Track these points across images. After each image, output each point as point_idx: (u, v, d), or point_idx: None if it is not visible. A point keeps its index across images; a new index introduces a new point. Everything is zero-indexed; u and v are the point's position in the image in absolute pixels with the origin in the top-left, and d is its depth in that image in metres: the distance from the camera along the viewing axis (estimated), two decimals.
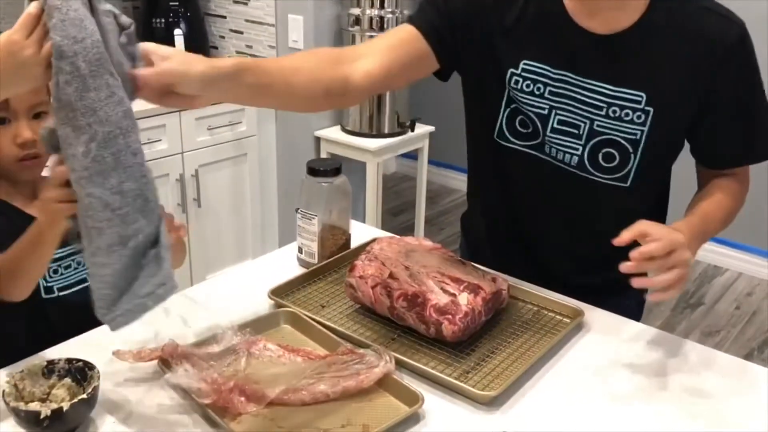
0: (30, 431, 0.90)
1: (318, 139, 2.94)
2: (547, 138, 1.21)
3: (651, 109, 1.15)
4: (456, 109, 1.44)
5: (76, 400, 0.90)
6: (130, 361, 1.03)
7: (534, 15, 1.18)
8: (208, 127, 2.76)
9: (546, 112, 1.20)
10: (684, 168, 1.32)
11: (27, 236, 1.06)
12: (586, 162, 1.21)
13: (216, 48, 3.14)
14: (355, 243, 1.42)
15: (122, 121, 0.88)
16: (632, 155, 1.18)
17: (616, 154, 1.19)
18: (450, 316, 1.08)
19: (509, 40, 1.19)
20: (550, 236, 1.32)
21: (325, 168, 1.35)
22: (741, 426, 0.99)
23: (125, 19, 0.92)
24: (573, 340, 1.16)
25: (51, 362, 0.97)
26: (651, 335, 1.20)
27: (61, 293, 1.23)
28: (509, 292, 1.21)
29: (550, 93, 1.19)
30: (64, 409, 0.88)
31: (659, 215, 1.33)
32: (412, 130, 2.91)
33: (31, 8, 0.86)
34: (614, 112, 1.16)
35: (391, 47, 1.19)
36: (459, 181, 4.09)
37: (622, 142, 1.18)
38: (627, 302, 1.30)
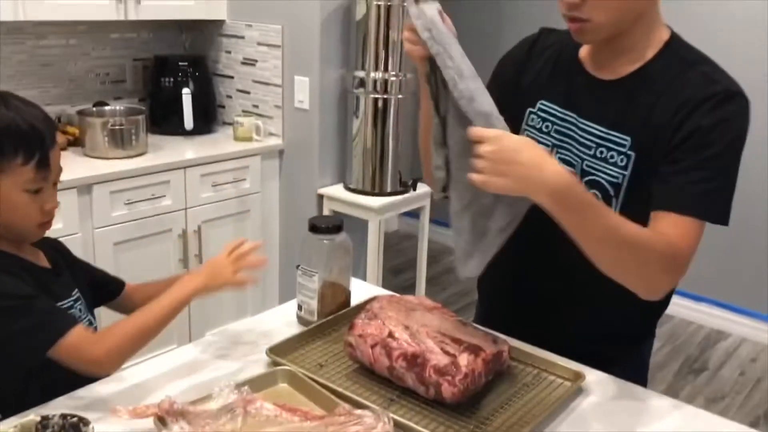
0: None
1: (321, 197, 2.97)
2: None
3: (633, 154, 1.19)
4: None
5: None
6: (125, 418, 1.01)
7: (554, 63, 1.31)
8: (212, 184, 2.79)
9: (549, 148, 1.27)
10: None
11: (171, 301, 1.18)
12: None
13: (223, 107, 3.20)
14: (355, 301, 1.41)
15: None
16: (613, 199, 1.21)
17: (599, 195, 1.22)
18: (450, 378, 1.06)
19: (534, 84, 1.32)
20: (547, 289, 1.32)
21: (326, 225, 1.35)
22: None
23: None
24: (574, 404, 1.14)
25: (45, 418, 0.96)
26: (654, 400, 1.18)
27: None
28: (510, 354, 1.20)
29: (556, 131, 1.28)
30: None
31: None
32: (414, 189, 2.94)
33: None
34: (601, 152, 1.22)
35: None
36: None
37: (605, 184, 1.22)
38: (624, 374, 1.26)
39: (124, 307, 1.42)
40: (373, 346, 1.15)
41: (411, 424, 1.04)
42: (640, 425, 1.10)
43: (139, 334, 1.16)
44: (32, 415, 0.97)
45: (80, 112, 2.70)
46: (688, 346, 3.34)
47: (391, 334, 1.15)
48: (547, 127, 1.29)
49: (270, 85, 3.01)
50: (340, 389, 1.13)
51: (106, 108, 2.87)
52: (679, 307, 3.48)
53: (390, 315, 1.20)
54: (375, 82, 2.79)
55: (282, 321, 1.39)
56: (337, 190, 2.95)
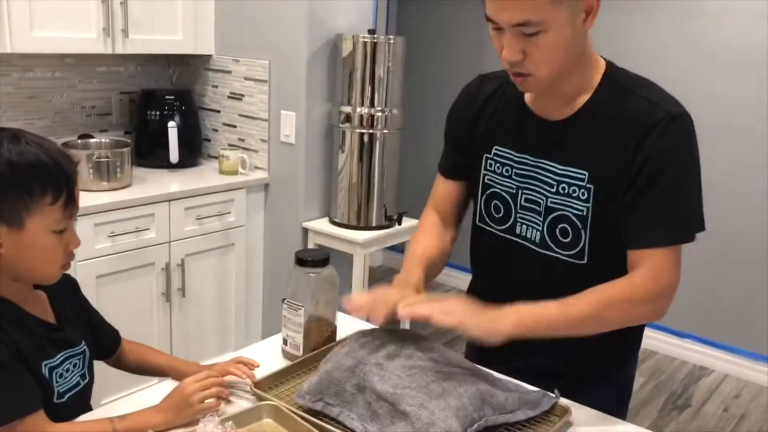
0: None
1: (306, 230, 2.96)
2: (518, 215, 1.33)
3: (591, 186, 1.23)
4: None
5: None
6: None
7: (501, 111, 1.35)
8: (196, 217, 2.78)
9: (514, 191, 1.33)
10: None
11: (128, 428, 1.10)
12: (546, 237, 1.29)
13: (209, 140, 3.21)
14: (341, 335, 1.41)
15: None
16: (582, 231, 1.25)
17: (569, 229, 1.26)
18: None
19: (487, 133, 1.37)
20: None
21: (313, 258, 1.35)
22: None
23: None
24: None
25: None
26: None
27: (67, 395, 1.19)
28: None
29: (516, 174, 1.33)
30: None
31: None
32: (399, 224, 2.95)
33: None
34: (563, 189, 1.26)
35: (446, 203, 1.47)
36: (444, 275, 4.10)
37: (572, 217, 1.25)
38: (607, 391, 1.33)
39: (115, 363, 1.39)
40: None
41: None
42: None
43: None
44: None
45: (65, 144, 2.69)
46: (671, 382, 3.34)
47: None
48: (507, 171, 1.34)
49: (256, 119, 3.02)
50: (325, 425, 1.11)
51: (92, 140, 2.87)
52: (662, 343, 3.49)
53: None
54: (361, 117, 2.81)
55: (266, 355, 1.38)
56: (323, 224, 2.96)
